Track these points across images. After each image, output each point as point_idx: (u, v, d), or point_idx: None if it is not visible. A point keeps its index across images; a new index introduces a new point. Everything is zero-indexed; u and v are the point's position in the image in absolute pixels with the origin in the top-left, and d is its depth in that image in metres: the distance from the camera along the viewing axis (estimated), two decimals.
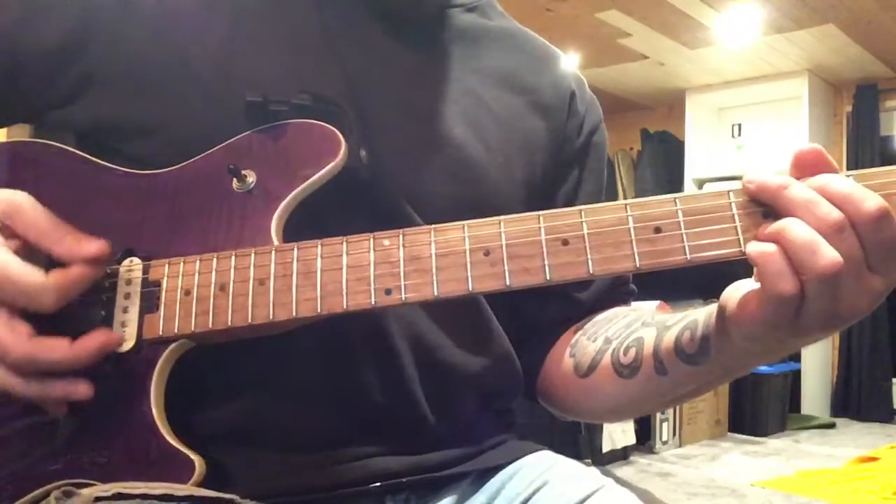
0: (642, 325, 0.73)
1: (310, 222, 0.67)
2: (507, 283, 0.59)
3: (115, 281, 0.65)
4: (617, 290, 0.86)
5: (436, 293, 0.60)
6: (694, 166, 5.68)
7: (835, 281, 0.52)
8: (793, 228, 0.53)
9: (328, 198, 0.67)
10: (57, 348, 0.60)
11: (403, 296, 0.61)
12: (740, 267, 0.58)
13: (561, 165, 0.86)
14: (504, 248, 0.60)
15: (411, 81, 0.78)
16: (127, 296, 0.65)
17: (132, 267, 0.66)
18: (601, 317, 0.82)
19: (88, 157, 0.70)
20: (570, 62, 4.42)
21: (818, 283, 0.52)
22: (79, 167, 0.70)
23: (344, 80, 0.74)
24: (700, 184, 5.66)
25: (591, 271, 0.59)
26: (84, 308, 0.64)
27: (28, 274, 0.59)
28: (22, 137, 0.74)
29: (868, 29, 4.49)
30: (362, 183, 0.69)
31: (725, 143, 5.70)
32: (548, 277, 0.59)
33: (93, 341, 0.61)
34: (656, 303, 3.13)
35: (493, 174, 0.78)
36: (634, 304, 0.87)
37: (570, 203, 0.85)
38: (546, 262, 0.59)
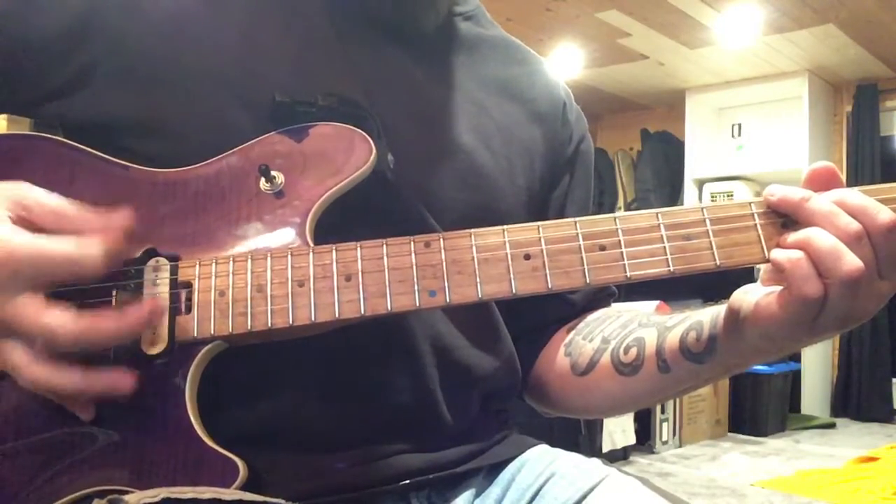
0: (640, 326, 0.77)
1: (330, 224, 0.67)
2: (549, 286, 0.62)
3: (141, 281, 0.64)
4: (603, 292, 0.89)
5: (480, 295, 0.62)
6: (694, 166, 5.68)
7: (856, 285, 0.57)
8: (818, 237, 0.58)
9: (351, 200, 0.68)
10: (104, 322, 0.57)
11: (448, 297, 0.62)
12: (736, 270, 0.63)
13: (554, 172, 0.88)
14: (544, 252, 0.63)
15: (420, 88, 0.79)
16: (154, 297, 0.64)
17: (158, 266, 0.64)
18: (593, 317, 0.85)
19: (99, 153, 0.69)
20: (570, 62, 4.38)
21: (841, 287, 0.58)
22: (91, 162, 0.68)
23: (361, 84, 0.74)
24: (700, 184, 5.67)
25: (627, 275, 0.62)
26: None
27: (64, 244, 0.56)
28: (21, 131, 0.73)
29: (868, 29, 4.49)
30: (385, 187, 0.70)
31: (725, 143, 5.71)
32: (587, 280, 0.62)
33: (142, 309, 0.59)
34: (656, 303, 3.15)
35: (500, 180, 0.80)
36: (628, 305, 0.90)
37: (561, 209, 0.88)
38: (585, 266, 0.62)
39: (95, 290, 0.64)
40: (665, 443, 4.12)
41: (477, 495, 0.77)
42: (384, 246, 0.64)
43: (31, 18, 0.70)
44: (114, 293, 0.64)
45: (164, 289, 0.64)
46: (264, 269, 0.63)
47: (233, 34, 0.73)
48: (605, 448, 3.65)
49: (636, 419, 3.89)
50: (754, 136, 5.58)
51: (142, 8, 0.71)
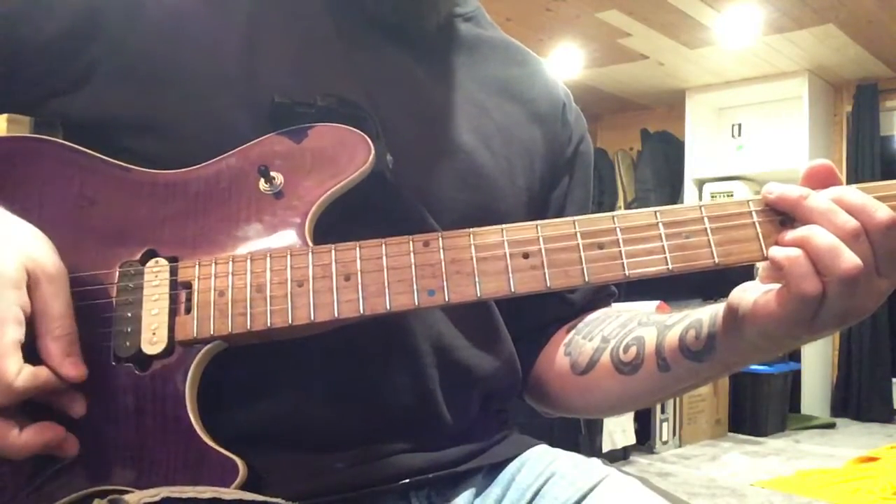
0: (639, 325, 0.77)
1: (330, 224, 0.67)
2: (548, 285, 0.62)
3: (141, 282, 0.65)
4: (602, 292, 0.89)
5: (478, 294, 0.62)
6: (694, 166, 5.68)
7: (854, 282, 0.57)
8: (816, 234, 0.58)
9: (351, 200, 0.68)
10: (6, 435, 0.58)
11: (447, 296, 0.62)
12: (735, 269, 0.64)
13: (554, 172, 0.88)
14: (543, 251, 0.63)
15: (420, 88, 0.79)
16: (154, 297, 0.64)
17: (158, 267, 0.65)
18: (592, 317, 0.85)
19: (100, 155, 0.69)
20: (570, 62, 4.38)
21: (839, 285, 0.57)
22: (91, 164, 0.69)
23: (362, 85, 0.75)
24: (700, 184, 5.67)
25: (626, 273, 0.62)
26: (108, 310, 0.64)
27: (3, 365, 0.56)
28: (21, 133, 0.73)
29: (868, 29, 4.49)
30: (384, 187, 0.70)
31: (725, 143, 5.71)
32: (586, 279, 0.62)
33: (43, 435, 0.59)
34: (656, 303, 3.15)
35: (500, 180, 0.81)
36: (629, 305, 0.90)
37: (560, 209, 0.88)
38: (584, 265, 0.62)
39: (96, 290, 0.64)
40: (665, 443, 4.12)
41: (477, 495, 0.77)
42: (383, 245, 0.64)
43: (37, 20, 0.70)
44: (114, 294, 0.64)
45: (163, 289, 0.64)
46: (263, 270, 0.64)
47: (233, 35, 0.73)
48: (605, 448, 3.65)
49: (636, 419, 3.89)
50: (754, 136, 5.58)
51: (144, 8, 0.72)
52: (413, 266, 0.63)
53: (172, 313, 0.64)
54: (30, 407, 0.60)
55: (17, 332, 0.57)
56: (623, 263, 0.62)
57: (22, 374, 0.57)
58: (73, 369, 0.60)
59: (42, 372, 0.59)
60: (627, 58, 5.06)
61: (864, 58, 4.96)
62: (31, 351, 0.59)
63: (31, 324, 0.59)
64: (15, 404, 0.58)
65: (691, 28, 4.49)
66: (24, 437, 0.58)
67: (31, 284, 0.60)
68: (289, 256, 0.64)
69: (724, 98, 5.63)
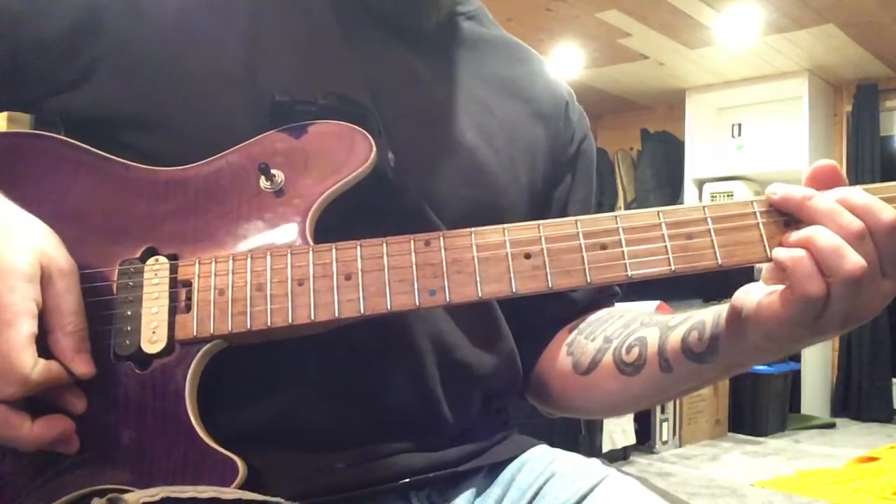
0: (642, 325, 0.76)
1: (331, 222, 0.67)
2: (550, 285, 0.62)
3: (141, 280, 0.64)
4: (605, 292, 0.89)
5: (480, 294, 0.62)
6: (694, 166, 5.68)
7: (858, 283, 0.56)
8: (821, 235, 0.58)
9: (352, 199, 0.68)
10: (21, 426, 0.58)
11: (448, 297, 0.62)
12: (738, 270, 0.63)
13: (556, 171, 0.88)
14: (545, 251, 0.62)
15: (423, 86, 0.79)
16: (154, 296, 0.64)
17: (158, 266, 0.65)
18: (595, 317, 0.85)
19: (100, 152, 0.69)
20: (570, 62, 4.38)
21: (843, 286, 0.57)
22: (91, 161, 0.68)
23: (364, 83, 0.74)
24: (700, 184, 5.67)
25: (629, 274, 0.61)
26: (108, 308, 0.64)
27: (21, 358, 0.57)
28: (22, 129, 0.73)
29: (868, 29, 4.49)
30: (386, 185, 0.70)
31: (725, 143, 5.71)
32: (588, 280, 0.62)
33: (55, 427, 0.60)
34: (656, 303, 3.15)
35: (502, 178, 0.80)
36: (629, 305, 0.89)
37: (563, 208, 0.88)
38: (586, 266, 0.62)
39: (95, 288, 0.64)
40: (665, 443, 4.12)
41: (477, 495, 0.76)
42: (384, 245, 0.63)
43: (38, 17, 0.70)
44: (114, 292, 0.64)
45: (163, 287, 0.64)
46: (264, 268, 0.63)
47: (235, 33, 0.73)
48: (605, 448, 3.65)
49: (636, 419, 3.89)
50: (754, 136, 5.58)
51: (145, 5, 0.72)
52: (414, 266, 0.63)
53: (172, 312, 0.63)
54: (30, 403, 0.59)
55: (32, 326, 0.58)
56: (626, 264, 0.62)
57: (37, 368, 0.57)
58: (83, 366, 0.61)
59: (55, 366, 0.59)
60: (627, 58, 5.06)
61: (864, 58, 4.96)
62: (41, 346, 0.59)
63: (42, 319, 0.60)
64: (25, 398, 0.58)
65: (691, 28, 4.49)
66: (36, 430, 0.59)
67: (44, 279, 0.60)
68: (289, 255, 0.64)
69: (724, 98, 5.63)
